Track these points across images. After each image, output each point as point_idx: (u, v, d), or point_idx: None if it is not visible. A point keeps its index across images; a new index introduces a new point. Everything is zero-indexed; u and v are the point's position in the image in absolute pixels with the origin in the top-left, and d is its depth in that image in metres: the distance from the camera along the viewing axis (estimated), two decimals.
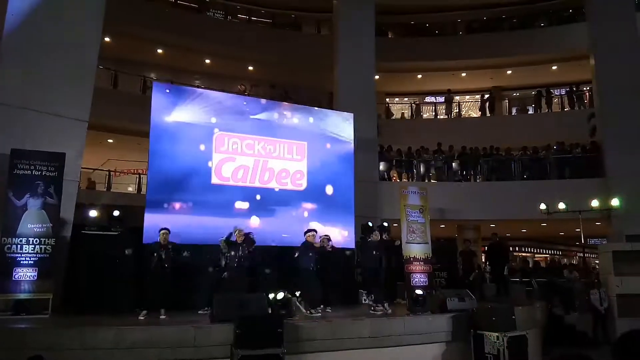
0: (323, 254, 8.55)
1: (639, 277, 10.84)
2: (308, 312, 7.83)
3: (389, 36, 19.33)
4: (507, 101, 20.19)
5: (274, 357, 5.51)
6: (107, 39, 15.05)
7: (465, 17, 19.72)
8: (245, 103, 10.56)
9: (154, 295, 7.35)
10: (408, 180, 15.48)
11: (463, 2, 19.11)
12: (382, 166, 15.15)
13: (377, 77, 15.78)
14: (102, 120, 13.63)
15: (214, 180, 9.56)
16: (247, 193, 9.81)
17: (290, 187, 10.31)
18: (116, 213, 8.67)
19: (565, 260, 25.70)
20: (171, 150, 9.22)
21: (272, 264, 9.11)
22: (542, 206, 13.41)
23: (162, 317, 7.22)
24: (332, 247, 8.94)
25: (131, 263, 8.08)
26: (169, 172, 9.14)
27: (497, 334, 6.75)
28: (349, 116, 11.46)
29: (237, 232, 8.04)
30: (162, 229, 7.80)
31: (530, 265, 17.27)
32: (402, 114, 19.99)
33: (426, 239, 10.52)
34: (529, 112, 19.06)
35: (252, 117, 10.19)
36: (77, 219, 9.08)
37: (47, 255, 7.67)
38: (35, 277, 7.50)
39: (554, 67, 18.51)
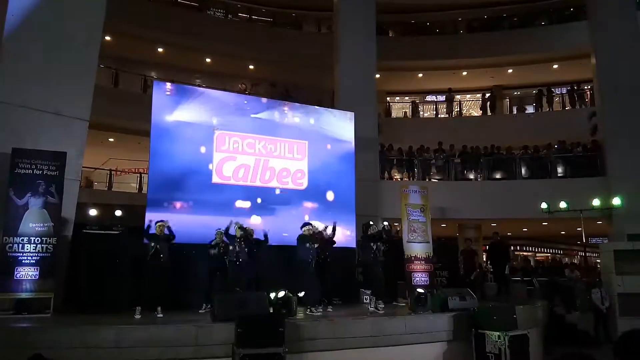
0: (322, 241, 8.52)
1: None
2: (309, 310, 7.83)
3: (390, 35, 19.31)
4: (508, 100, 20.17)
5: (275, 356, 5.50)
6: (107, 38, 15.05)
7: (466, 15, 19.70)
8: (246, 102, 10.56)
9: (150, 292, 7.27)
10: (409, 179, 15.48)
11: (464, 1, 19.08)
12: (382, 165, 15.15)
13: (377, 75, 15.76)
14: (103, 119, 13.63)
15: (215, 179, 9.56)
16: (247, 192, 9.81)
17: (291, 186, 10.31)
18: (118, 213, 8.68)
19: (566, 259, 25.75)
20: (172, 149, 9.22)
21: (272, 263, 9.10)
22: (543, 205, 13.40)
23: (159, 315, 7.18)
24: (331, 234, 8.82)
25: (132, 262, 8.07)
26: (170, 171, 9.14)
27: (498, 333, 6.74)
28: (350, 115, 11.45)
29: (236, 225, 8.04)
30: (158, 221, 7.78)
31: (532, 265, 17.27)
32: (405, 112, 19.96)
33: (427, 238, 10.52)
34: (530, 111, 19.04)
35: (252, 116, 10.19)
36: (78, 218, 9.09)
37: (49, 255, 7.67)
38: (37, 276, 7.50)
39: (555, 66, 18.49)
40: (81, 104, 9.15)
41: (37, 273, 7.51)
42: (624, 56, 14.53)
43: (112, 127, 15.92)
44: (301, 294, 8.04)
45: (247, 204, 9.73)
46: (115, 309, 7.35)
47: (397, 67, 18.30)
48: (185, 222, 8.86)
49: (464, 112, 19.61)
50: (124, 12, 14.09)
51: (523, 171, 15.23)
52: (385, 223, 10.67)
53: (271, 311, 6.75)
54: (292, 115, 10.68)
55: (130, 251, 8.16)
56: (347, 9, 15.31)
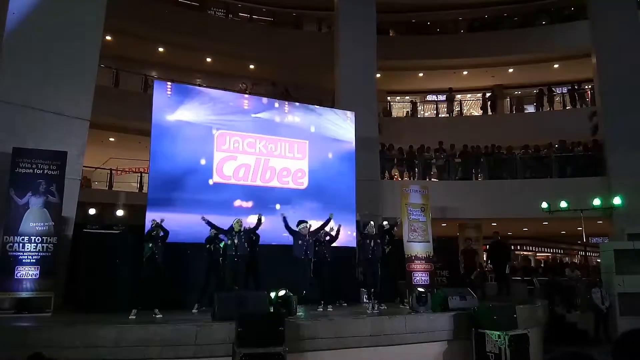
0: (318, 242, 8.56)
1: None
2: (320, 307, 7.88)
3: (390, 34, 19.28)
4: (508, 99, 20.16)
5: (275, 356, 5.50)
6: (108, 37, 15.05)
7: (467, 15, 19.68)
8: (246, 101, 10.56)
9: (147, 291, 7.18)
10: (409, 179, 15.48)
11: (464, 1, 19.06)
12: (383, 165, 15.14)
13: (378, 75, 15.76)
14: (104, 119, 13.64)
15: (215, 178, 9.57)
16: (248, 192, 9.81)
17: (291, 185, 10.32)
18: (120, 213, 8.68)
19: (566, 258, 25.71)
20: (172, 149, 9.22)
21: (272, 263, 9.10)
22: (544, 205, 13.39)
23: (158, 315, 7.07)
24: (329, 236, 8.85)
25: (133, 262, 8.07)
26: (170, 171, 9.14)
27: (498, 332, 6.74)
28: (350, 114, 11.44)
29: (236, 222, 8.05)
30: (153, 220, 7.73)
31: (532, 264, 17.27)
32: (407, 112, 19.95)
33: (427, 238, 10.53)
34: (531, 111, 19.03)
35: (253, 115, 10.19)
36: (78, 218, 9.10)
37: (49, 254, 7.68)
38: (37, 276, 7.51)
39: (556, 66, 18.48)
40: (82, 104, 9.16)
41: (38, 272, 7.52)
42: (624, 56, 14.52)
43: (112, 127, 15.93)
44: (303, 293, 8.05)
45: (247, 204, 9.73)
46: (116, 308, 7.34)
47: (397, 67, 18.28)
48: (187, 221, 8.85)
49: (464, 111, 19.58)
50: (125, 11, 14.08)
51: (523, 171, 15.23)
52: (385, 222, 10.66)
53: (271, 310, 6.75)
54: (292, 114, 10.67)
55: (131, 250, 8.16)
56: (348, 9, 15.31)
